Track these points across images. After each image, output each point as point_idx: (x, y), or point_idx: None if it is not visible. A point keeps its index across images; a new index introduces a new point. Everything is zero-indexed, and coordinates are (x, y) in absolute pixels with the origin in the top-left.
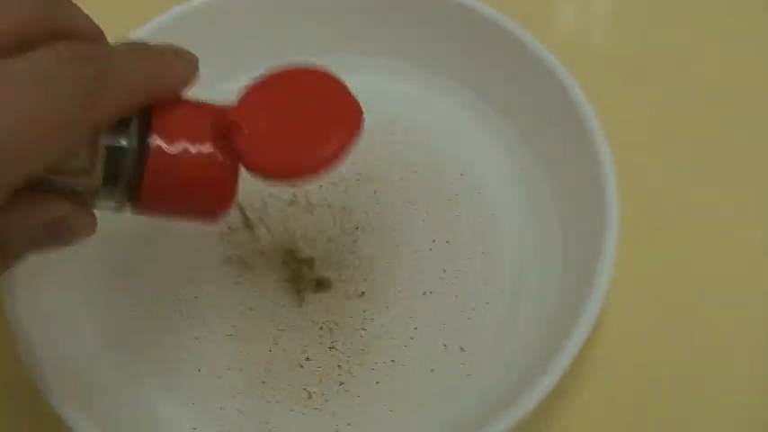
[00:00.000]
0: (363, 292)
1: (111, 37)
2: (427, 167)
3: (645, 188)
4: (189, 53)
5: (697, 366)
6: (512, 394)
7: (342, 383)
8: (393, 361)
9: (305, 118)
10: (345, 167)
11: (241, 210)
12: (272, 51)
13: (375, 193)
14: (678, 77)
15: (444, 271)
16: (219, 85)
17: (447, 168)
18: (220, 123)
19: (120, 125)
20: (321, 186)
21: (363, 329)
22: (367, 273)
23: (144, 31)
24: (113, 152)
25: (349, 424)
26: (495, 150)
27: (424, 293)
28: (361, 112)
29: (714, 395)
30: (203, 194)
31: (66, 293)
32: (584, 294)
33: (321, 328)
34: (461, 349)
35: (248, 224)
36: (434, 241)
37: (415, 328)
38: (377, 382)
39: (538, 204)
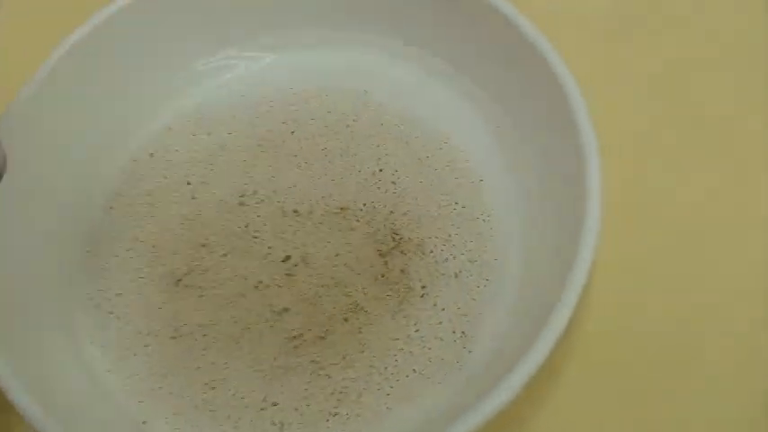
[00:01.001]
0: None
1: None
2: (406, 138)
3: (629, 154)
4: None
5: (688, 330)
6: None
7: None
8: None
9: None
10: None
11: None
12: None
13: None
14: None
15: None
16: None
17: (429, 139)
18: None
19: None
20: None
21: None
22: None
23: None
24: None
25: None
26: (474, 120)
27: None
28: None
29: (710, 365)
30: None
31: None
32: (569, 266)
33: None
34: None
35: None
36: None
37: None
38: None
39: (521, 175)
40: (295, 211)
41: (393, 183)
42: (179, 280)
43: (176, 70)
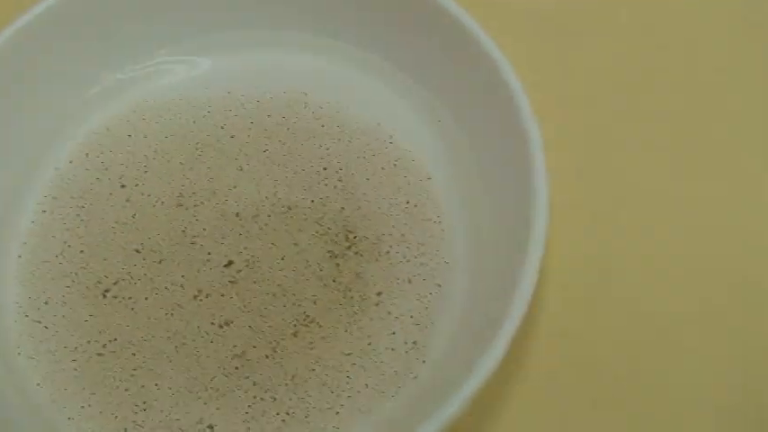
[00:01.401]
0: None
1: None
2: (348, 138)
3: (578, 150)
4: None
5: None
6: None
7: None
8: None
9: None
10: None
11: None
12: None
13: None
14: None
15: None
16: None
17: (372, 138)
18: None
19: None
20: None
21: None
22: None
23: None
24: None
25: None
26: (417, 118)
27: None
28: None
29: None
30: None
31: None
32: (518, 269)
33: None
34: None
35: None
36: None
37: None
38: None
39: (468, 173)
40: (237, 214)
41: (340, 180)
42: (106, 291)
43: (113, 71)
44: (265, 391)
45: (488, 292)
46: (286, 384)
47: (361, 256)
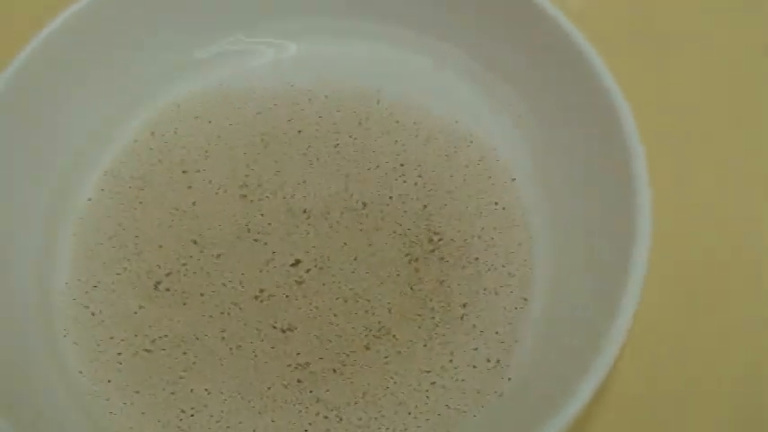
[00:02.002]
0: None
1: None
2: (426, 134)
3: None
4: None
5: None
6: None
7: None
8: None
9: None
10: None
11: None
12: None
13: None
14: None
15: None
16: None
17: (452, 136)
18: None
19: None
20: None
21: None
22: None
23: None
24: None
25: None
26: (499, 117)
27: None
28: None
29: None
30: None
31: None
32: (617, 291)
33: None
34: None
35: None
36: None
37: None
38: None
39: (554, 177)
40: (305, 210)
41: (420, 176)
42: (158, 282)
43: (191, 49)
44: (330, 410)
45: (577, 310)
46: (356, 403)
47: (446, 261)
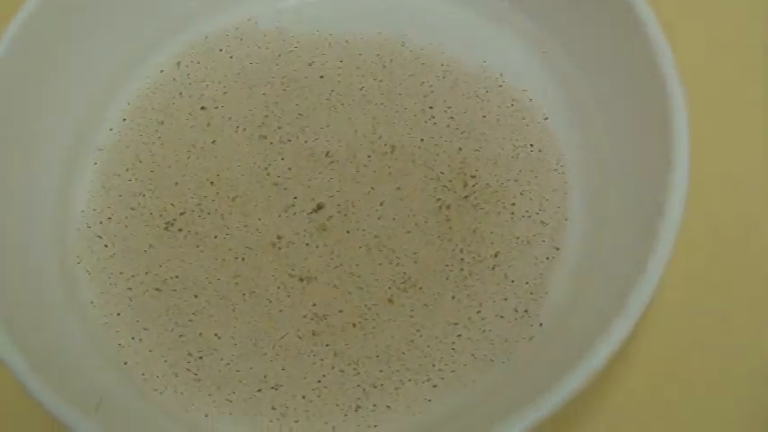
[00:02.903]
0: None
1: None
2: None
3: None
4: None
5: None
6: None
7: None
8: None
9: None
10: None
11: None
12: None
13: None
14: None
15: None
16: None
17: (481, 77)
18: None
19: None
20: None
21: None
22: None
23: None
24: None
25: None
26: (529, 58)
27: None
28: None
29: None
30: None
31: None
32: (650, 241)
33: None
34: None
35: None
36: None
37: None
38: None
39: (589, 120)
40: (328, 154)
41: (452, 118)
42: (173, 221)
43: None
44: (348, 364)
45: (610, 261)
46: (377, 356)
47: (480, 208)
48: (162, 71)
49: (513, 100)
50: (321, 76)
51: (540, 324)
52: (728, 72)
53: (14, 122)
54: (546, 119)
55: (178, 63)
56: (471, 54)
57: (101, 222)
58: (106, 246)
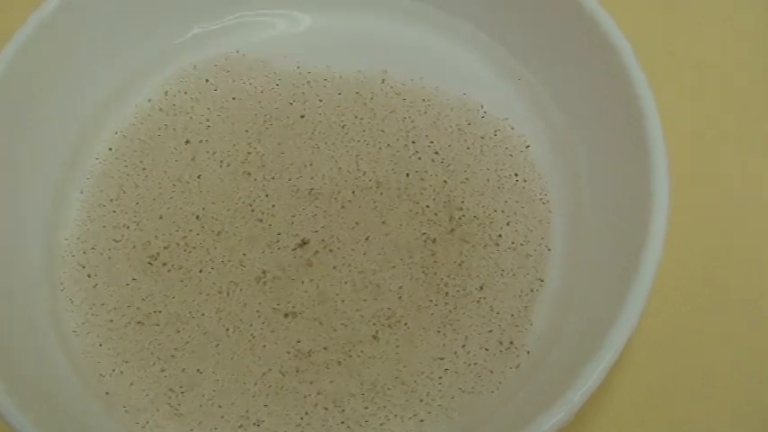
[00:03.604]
0: None
1: None
2: (437, 110)
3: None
4: None
5: None
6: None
7: None
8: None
9: None
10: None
11: None
12: None
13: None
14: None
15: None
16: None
17: (463, 109)
18: None
19: None
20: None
21: None
22: None
23: None
24: None
25: None
26: (507, 87)
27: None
28: None
29: None
30: None
31: None
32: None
33: None
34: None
35: None
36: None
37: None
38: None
39: (569, 150)
40: (311, 191)
41: (436, 153)
42: (156, 255)
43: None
44: (332, 401)
45: (592, 288)
46: (362, 394)
47: (466, 241)
48: (149, 100)
49: (495, 130)
50: (302, 116)
51: (528, 352)
52: (706, 98)
53: (2, 147)
54: (527, 146)
55: (166, 92)
56: (452, 86)
57: (84, 252)
58: (89, 276)
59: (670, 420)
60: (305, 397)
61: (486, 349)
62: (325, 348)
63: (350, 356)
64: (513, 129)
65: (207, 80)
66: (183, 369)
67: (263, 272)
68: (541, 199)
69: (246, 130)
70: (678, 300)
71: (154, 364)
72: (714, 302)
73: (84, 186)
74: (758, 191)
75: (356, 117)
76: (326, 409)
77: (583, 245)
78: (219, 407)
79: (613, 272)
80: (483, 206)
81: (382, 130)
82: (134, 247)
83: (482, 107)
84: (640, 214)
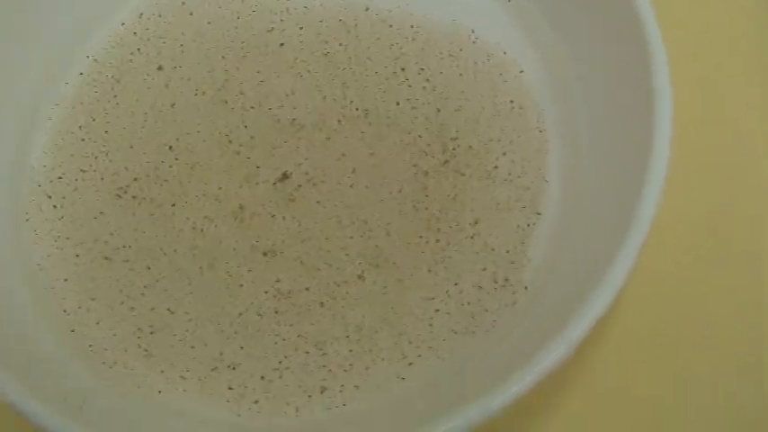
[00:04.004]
0: None
1: None
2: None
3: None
4: None
5: None
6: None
7: None
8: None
9: None
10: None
11: None
12: None
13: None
14: None
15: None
16: None
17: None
18: None
19: None
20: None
21: None
22: None
23: None
24: None
25: None
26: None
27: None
28: None
29: None
30: None
31: None
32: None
33: None
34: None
35: None
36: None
37: None
38: None
39: (563, 73)
40: (294, 121)
41: (427, 80)
42: (125, 186)
43: None
44: (313, 345)
45: (591, 222)
46: (347, 336)
47: (461, 173)
48: (123, 24)
49: (488, 55)
50: (281, 44)
51: (525, 287)
52: (713, 41)
53: None
54: (521, 71)
55: (140, 15)
56: (440, 13)
57: (51, 181)
58: (54, 207)
59: (672, 366)
60: (284, 340)
61: (480, 287)
62: (306, 289)
63: (333, 298)
64: (505, 53)
65: (183, 3)
66: (153, 308)
67: (241, 207)
68: (538, 127)
69: (223, 57)
70: (679, 246)
71: (122, 303)
72: (716, 253)
73: (53, 113)
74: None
75: (340, 45)
76: (307, 352)
77: (581, 176)
78: (192, 347)
79: (613, 204)
80: (478, 135)
81: (369, 58)
82: (102, 178)
83: (473, 32)
84: (641, 142)
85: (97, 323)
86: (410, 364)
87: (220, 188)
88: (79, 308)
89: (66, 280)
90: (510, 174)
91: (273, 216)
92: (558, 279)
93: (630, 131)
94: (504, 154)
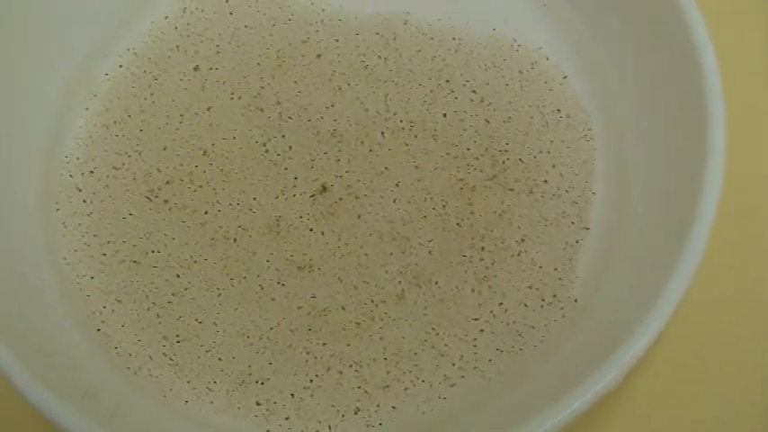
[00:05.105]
0: None
1: None
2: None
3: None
4: None
5: None
6: None
7: None
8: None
9: None
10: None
11: None
12: None
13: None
14: None
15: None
16: None
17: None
18: None
19: None
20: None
21: None
22: None
23: None
24: None
25: None
26: (537, 17)
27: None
28: None
29: None
30: None
31: None
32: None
33: None
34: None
35: None
36: None
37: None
38: None
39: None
40: (334, 133)
41: (473, 91)
42: (157, 189)
43: None
44: (348, 366)
45: (640, 235)
46: (384, 359)
47: (510, 189)
48: (167, 17)
49: (532, 63)
50: (318, 56)
51: (575, 300)
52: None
53: (13, 56)
54: (565, 77)
55: (184, 9)
56: (480, 23)
57: (82, 174)
58: (84, 201)
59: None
60: (315, 358)
61: (526, 305)
62: (343, 308)
63: (371, 318)
64: (548, 59)
65: (227, 1)
66: (180, 317)
67: (277, 219)
68: (585, 135)
69: (258, 63)
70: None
71: (148, 309)
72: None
73: (90, 104)
74: None
75: (380, 57)
76: (341, 372)
77: (628, 187)
78: (219, 359)
79: (665, 215)
80: (528, 147)
81: (411, 70)
82: (134, 178)
83: (515, 41)
84: (694, 150)
85: (122, 326)
86: (452, 385)
87: (255, 198)
88: (104, 308)
89: (92, 278)
90: (558, 188)
91: (311, 230)
92: (607, 294)
93: (681, 140)
94: (554, 167)
